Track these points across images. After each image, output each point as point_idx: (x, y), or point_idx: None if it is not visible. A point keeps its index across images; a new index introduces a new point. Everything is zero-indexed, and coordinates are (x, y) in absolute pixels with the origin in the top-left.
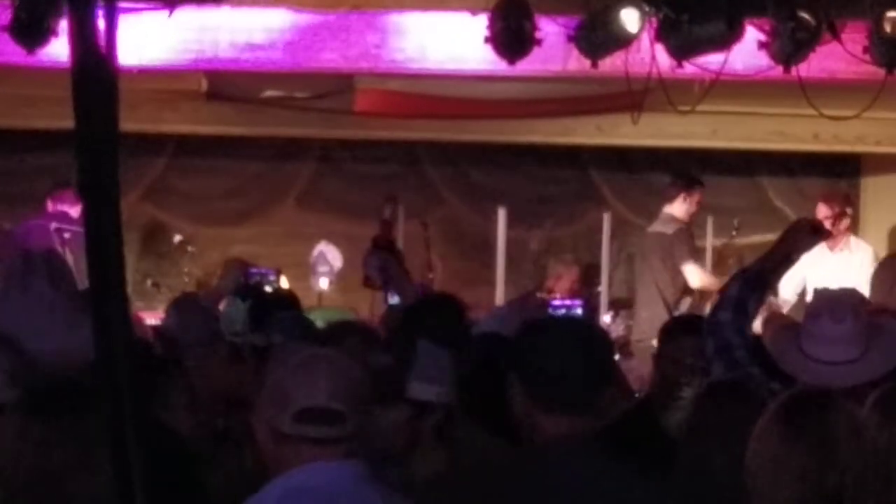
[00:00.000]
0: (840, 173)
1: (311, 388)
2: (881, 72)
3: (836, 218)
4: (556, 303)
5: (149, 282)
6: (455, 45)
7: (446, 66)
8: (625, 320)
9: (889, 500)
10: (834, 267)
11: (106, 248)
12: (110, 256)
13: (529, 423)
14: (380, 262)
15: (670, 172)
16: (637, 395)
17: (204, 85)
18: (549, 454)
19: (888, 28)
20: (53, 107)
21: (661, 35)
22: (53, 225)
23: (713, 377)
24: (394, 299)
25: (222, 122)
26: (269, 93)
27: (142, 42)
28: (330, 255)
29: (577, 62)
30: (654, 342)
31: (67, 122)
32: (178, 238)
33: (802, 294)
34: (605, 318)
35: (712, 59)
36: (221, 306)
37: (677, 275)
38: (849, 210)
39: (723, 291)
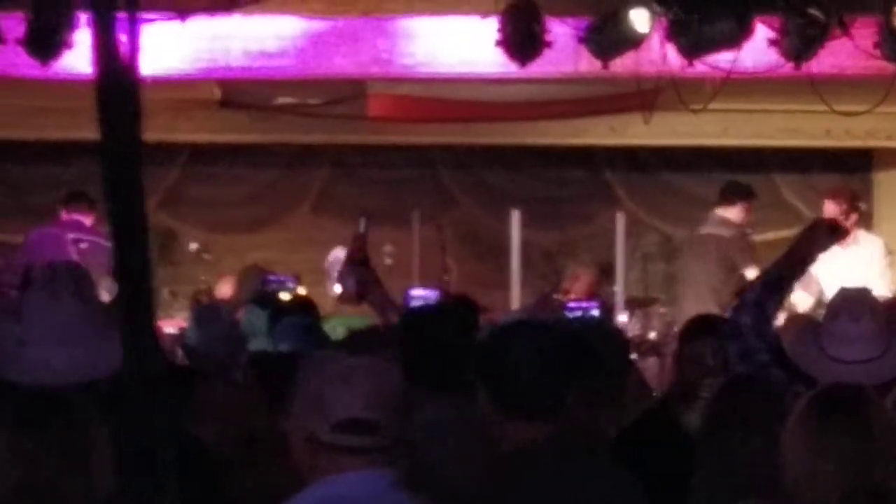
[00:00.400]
0: (852, 169)
1: (349, 398)
2: (891, 67)
3: (845, 215)
4: (572, 304)
5: (165, 290)
6: (465, 48)
7: (457, 69)
8: (640, 320)
9: None
10: (845, 263)
11: (133, 259)
12: (137, 267)
13: (497, 431)
14: (357, 277)
15: (683, 171)
16: (655, 394)
17: (217, 93)
18: (519, 463)
19: None
20: (66, 118)
21: (672, 35)
22: (70, 235)
23: (732, 374)
24: (415, 303)
25: (236, 130)
26: (281, 100)
27: (155, 52)
28: None
29: (587, 63)
30: None
31: (80, 133)
32: (193, 246)
33: (819, 293)
34: (622, 318)
35: (722, 58)
36: (240, 314)
37: (731, 277)
38: (857, 205)
39: (742, 295)
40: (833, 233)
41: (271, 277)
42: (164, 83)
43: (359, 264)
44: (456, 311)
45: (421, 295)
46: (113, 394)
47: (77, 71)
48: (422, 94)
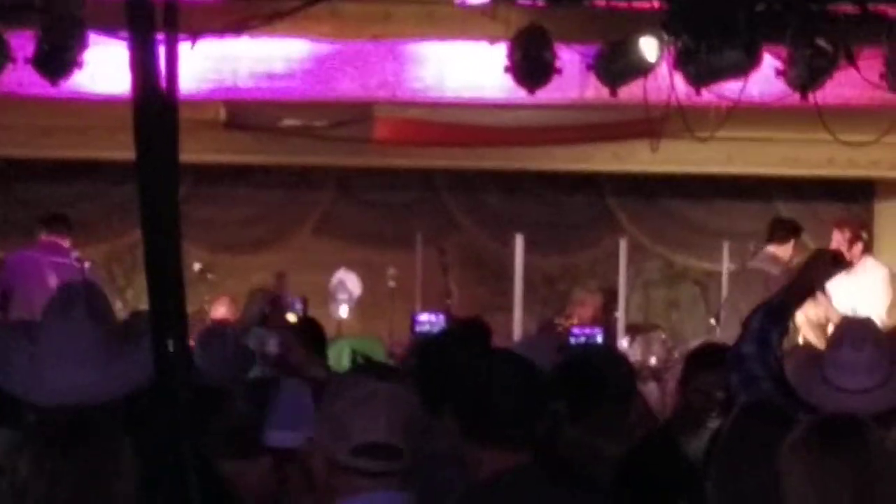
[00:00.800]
0: (854, 198)
1: (370, 423)
2: None
3: (850, 243)
4: (577, 331)
5: None
6: (473, 73)
7: (464, 94)
8: (641, 345)
9: None
10: (849, 290)
11: (166, 278)
12: (170, 286)
13: (466, 458)
14: (279, 339)
15: (686, 198)
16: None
17: (222, 114)
18: (492, 491)
19: None
20: (71, 136)
21: (680, 63)
22: (48, 258)
23: (744, 400)
24: (422, 328)
25: (241, 151)
26: (287, 122)
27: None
28: (349, 283)
29: (594, 90)
30: None
31: (84, 152)
32: (197, 266)
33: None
34: (623, 344)
35: (728, 86)
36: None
37: None
38: (862, 235)
39: (745, 324)
40: (836, 263)
41: (279, 300)
42: None
43: (278, 326)
44: (470, 335)
45: (427, 319)
46: (140, 415)
47: (85, 90)
48: (428, 118)
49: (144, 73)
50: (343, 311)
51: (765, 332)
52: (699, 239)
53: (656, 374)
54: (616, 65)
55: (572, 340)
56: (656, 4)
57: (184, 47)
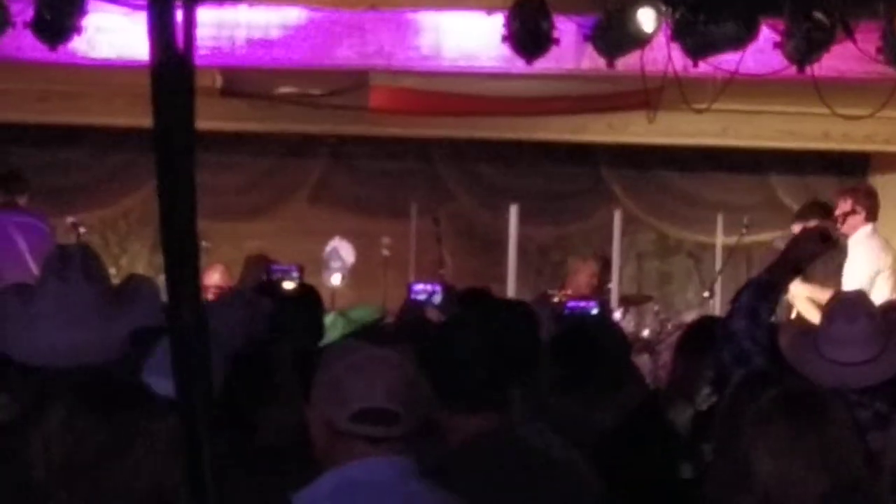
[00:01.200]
0: (849, 172)
1: (368, 388)
2: (893, 71)
3: (845, 215)
4: (571, 303)
5: (162, 276)
6: (469, 43)
7: (460, 63)
8: (634, 317)
9: None
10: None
11: (182, 245)
12: (186, 253)
13: (443, 425)
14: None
15: (680, 170)
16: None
17: (218, 81)
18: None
19: None
20: (68, 102)
21: (677, 35)
22: (10, 219)
23: (745, 371)
24: (418, 296)
25: (236, 118)
26: (283, 89)
27: None
28: (343, 251)
29: (590, 60)
30: None
31: (80, 118)
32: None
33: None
34: (616, 315)
35: (725, 58)
36: None
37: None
38: (859, 207)
39: (734, 300)
40: (824, 240)
41: (275, 267)
42: None
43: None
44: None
45: (423, 289)
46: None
47: (84, 56)
48: (424, 88)
49: (162, 37)
50: (336, 280)
51: (754, 308)
52: (693, 211)
53: (649, 347)
54: (613, 36)
55: (567, 312)
56: None
57: (180, 14)
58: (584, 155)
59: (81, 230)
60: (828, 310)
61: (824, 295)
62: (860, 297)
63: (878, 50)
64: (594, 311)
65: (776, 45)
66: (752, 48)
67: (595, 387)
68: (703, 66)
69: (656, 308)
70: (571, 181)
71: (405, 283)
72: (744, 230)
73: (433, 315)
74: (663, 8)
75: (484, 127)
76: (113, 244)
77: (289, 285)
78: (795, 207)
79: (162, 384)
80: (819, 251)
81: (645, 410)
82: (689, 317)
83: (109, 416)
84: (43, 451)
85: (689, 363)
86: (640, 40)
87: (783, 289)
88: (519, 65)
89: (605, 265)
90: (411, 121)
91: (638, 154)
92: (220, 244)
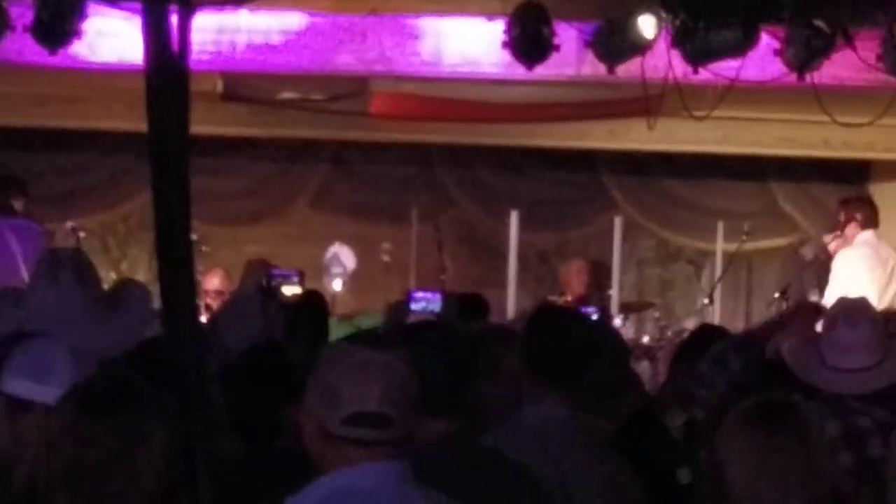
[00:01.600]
0: (849, 180)
1: (363, 392)
2: (893, 80)
3: (844, 224)
4: None
5: None
6: (470, 48)
7: (461, 69)
8: (634, 324)
9: None
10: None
11: (176, 246)
12: (181, 256)
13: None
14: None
15: (681, 177)
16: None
17: (220, 86)
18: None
19: None
20: (67, 106)
21: (677, 41)
22: (4, 222)
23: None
24: (418, 305)
25: (237, 123)
26: (284, 94)
27: None
28: (343, 257)
29: (591, 67)
30: None
31: (80, 122)
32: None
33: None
34: (616, 321)
35: (725, 65)
36: None
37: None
38: (857, 215)
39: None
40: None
41: (275, 272)
42: None
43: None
44: (467, 310)
45: (423, 297)
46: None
47: (84, 60)
48: (424, 93)
49: (157, 43)
50: (337, 285)
51: (725, 359)
52: (694, 218)
53: (649, 353)
54: (614, 42)
55: None
56: None
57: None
58: (585, 161)
59: (81, 234)
60: (830, 316)
61: None
62: (862, 303)
63: (878, 58)
64: (594, 318)
65: (776, 53)
66: (752, 55)
67: (594, 394)
68: (704, 73)
69: (656, 315)
70: (572, 187)
71: (406, 288)
72: (744, 237)
73: None
74: (664, 15)
75: (485, 133)
76: (113, 248)
77: (289, 290)
78: (796, 215)
79: (22, 386)
80: (814, 321)
81: (643, 417)
82: (690, 324)
83: (113, 420)
84: (45, 457)
85: (687, 370)
86: (641, 47)
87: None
88: (519, 71)
89: (597, 268)
90: (412, 126)
91: (638, 161)
92: (221, 249)
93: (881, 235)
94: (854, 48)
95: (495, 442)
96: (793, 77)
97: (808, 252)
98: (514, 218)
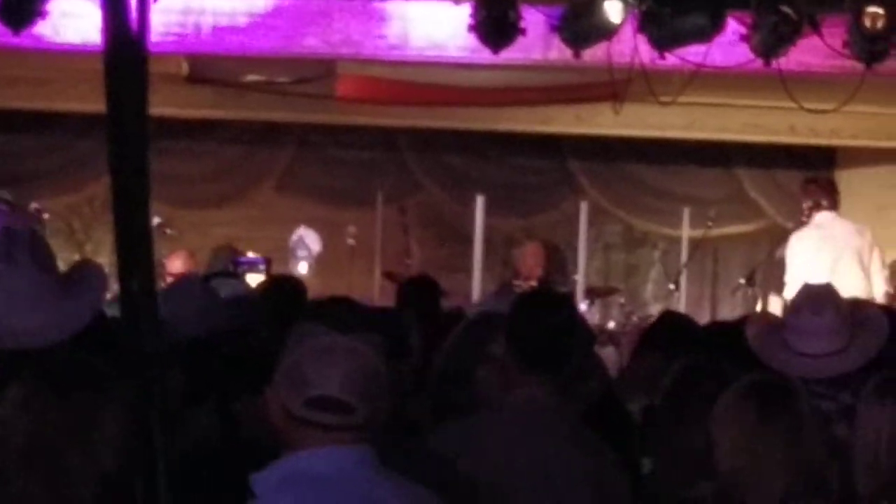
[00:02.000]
0: (815, 166)
1: (325, 376)
2: (859, 66)
3: (809, 210)
4: None
5: None
6: (436, 32)
7: (427, 53)
8: (599, 309)
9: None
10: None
11: (134, 226)
12: (139, 234)
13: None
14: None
15: (647, 162)
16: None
17: (185, 68)
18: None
19: (868, 23)
20: (32, 88)
21: (644, 27)
22: None
23: (690, 360)
24: None
25: (202, 106)
26: (250, 77)
27: None
28: (309, 240)
29: (557, 51)
30: None
31: (45, 104)
32: (157, 221)
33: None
34: (581, 306)
35: (692, 51)
36: None
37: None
38: (823, 201)
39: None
40: None
41: (241, 259)
42: None
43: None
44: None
45: None
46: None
47: (49, 41)
48: (391, 77)
49: (116, 23)
50: (303, 269)
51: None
52: (660, 203)
53: (614, 338)
54: (580, 27)
55: None
56: None
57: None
58: (551, 146)
59: (45, 216)
60: (794, 302)
61: None
62: (827, 289)
63: (845, 44)
64: None
65: (743, 38)
66: (718, 41)
67: (568, 379)
68: (670, 59)
69: (622, 300)
70: (538, 172)
71: (371, 272)
72: (710, 223)
73: None
74: (630, 0)
75: (451, 117)
76: (78, 230)
77: (256, 277)
78: (761, 201)
79: None
80: None
81: (607, 403)
82: (655, 309)
83: (69, 398)
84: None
85: (650, 357)
86: (607, 32)
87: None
88: (486, 55)
89: (551, 251)
90: (378, 110)
91: (605, 146)
92: (186, 232)
93: (842, 215)
94: (820, 34)
95: (480, 424)
96: (759, 63)
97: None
98: (479, 202)
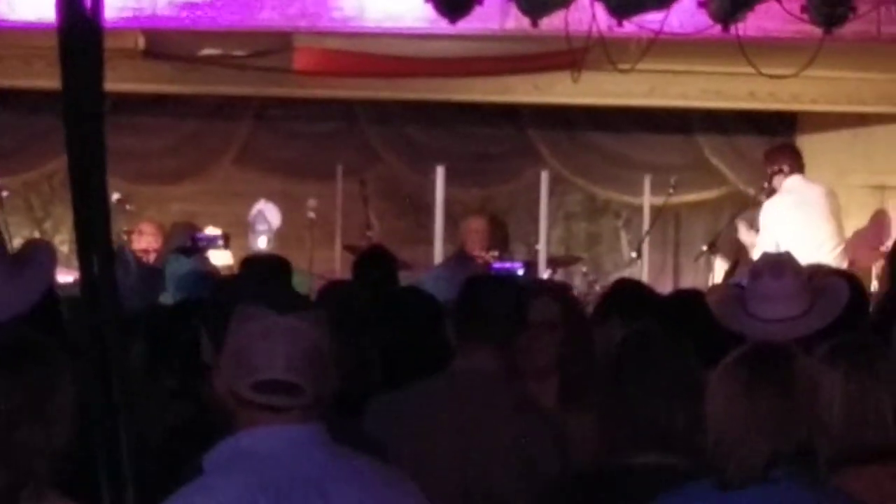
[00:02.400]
0: (776, 132)
1: (269, 359)
2: (818, 31)
3: (771, 176)
4: (497, 265)
5: None
6: (393, 3)
7: (385, 24)
8: (562, 278)
9: (864, 444)
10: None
11: (93, 202)
12: (98, 210)
13: None
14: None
15: (607, 130)
16: None
17: (141, 43)
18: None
19: None
20: None
21: None
22: None
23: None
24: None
25: (159, 81)
26: (206, 51)
27: None
28: (269, 214)
29: (514, 21)
30: None
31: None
32: (115, 196)
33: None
34: (544, 276)
35: (650, 18)
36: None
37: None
38: (784, 167)
39: None
40: None
41: (199, 235)
42: None
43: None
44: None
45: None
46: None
47: (4, 18)
48: (348, 49)
49: (70, 0)
50: (262, 243)
51: None
52: (620, 172)
53: None
54: None
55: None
56: None
57: None
58: (510, 116)
59: (3, 194)
60: (754, 268)
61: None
62: (786, 256)
63: (803, 9)
64: (520, 272)
65: (700, 5)
66: (676, 7)
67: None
68: (628, 26)
69: (584, 269)
70: (497, 142)
71: (331, 245)
72: (671, 190)
73: None
74: None
75: (409, 88)
76: (37, 208)
77: (215, 253)
78: (723, 167)
79: None
80: None
81: None
82: (618, 277)
83: (20, 373)
84: None
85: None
86: (564, 0)
87: None
88: (443, 25)
89: (495, 224)
90: (336, 82)
91: (564, 114)
92: (146, 207)
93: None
94: (779, 0)
95: (424, 392)
96: (717, 29)
97: (743, 225)
98: (439, 173)
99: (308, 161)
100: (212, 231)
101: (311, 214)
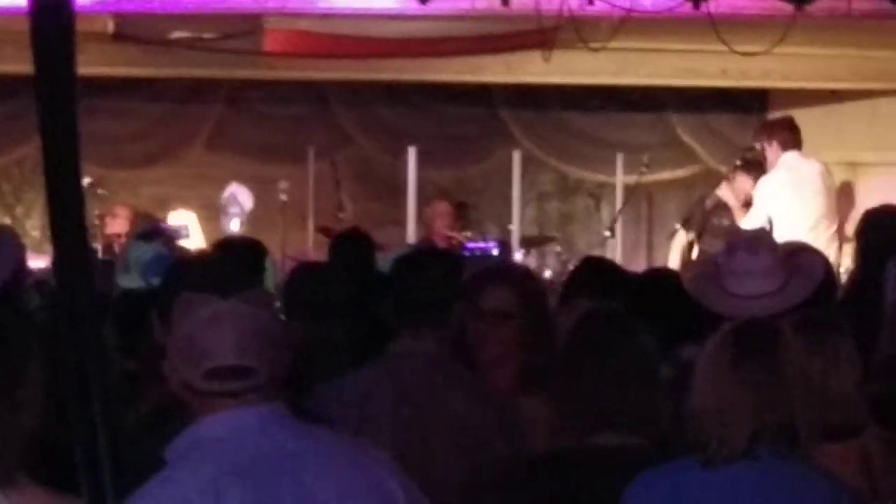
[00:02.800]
0: (748, 109)
1: (217, 346)
2: (789, 7)
3: (763, 152)
4: (471, 245)
5: None
6: None
7: (355, 5)
8: (535, 258)
9: (829, 421)
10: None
11: (66, 187)
12: (70, 195)
13: None
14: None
15: (579, 110)
16: None
17: (111, 26)
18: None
19: None
20: None
21: None
22: None
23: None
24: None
25: (129, 64)
26: (176, 34)
27: None
28: (241, 197)
29: (485, 0)
30: None
31: None
32: (87, 181)
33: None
34: (517, 256)
35: None
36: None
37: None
38: (772, 142)
39: None
40: None
41: (164, 226)
42: None
43: None
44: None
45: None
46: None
47: None
48: (318, 30)
49: None
50: (235, 226)
51: None
52: (593, 151)
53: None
54: None
55: (466, 254)
56: None
57: None
58: (482, 96)
59: None
60: (730, 245)
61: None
62: (762, 233)
63: None
64: (494, 252)
65: None
66: None
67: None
68: (599, 4)
69: (558, 249)
70: (469, 122)
71: (304, 227)
72: (643, 169)
73: None
74: None
75: (380, 69)
76: (7, 193)
77: (185, 243)
78: (695, 145)
79: None
80: None
81: None
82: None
83: None
84: None
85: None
86: None
87: None
88: (413, 5)
89: (459, 208)
90: (306, 64)
91: (536, 94)
92: (118, 192)
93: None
94: None
95: (363, 377)
96: (688, 6)
97: (709, 202)
98: (411, 154)
99: (280, 143)
100: (176, 221)
101: (283, 197)
